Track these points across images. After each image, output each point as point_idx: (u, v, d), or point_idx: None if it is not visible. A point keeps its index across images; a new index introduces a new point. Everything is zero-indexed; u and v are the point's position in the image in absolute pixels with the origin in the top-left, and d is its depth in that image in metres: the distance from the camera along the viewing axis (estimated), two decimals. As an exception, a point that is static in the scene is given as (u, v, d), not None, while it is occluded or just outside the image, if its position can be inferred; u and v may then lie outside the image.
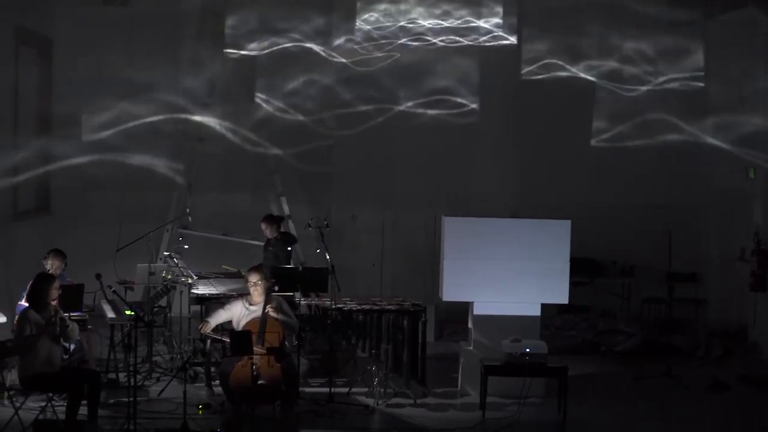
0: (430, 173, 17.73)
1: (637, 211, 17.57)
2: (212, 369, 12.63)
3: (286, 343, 11.69)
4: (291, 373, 11.33)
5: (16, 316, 11.24)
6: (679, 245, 15.45)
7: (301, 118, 17.73)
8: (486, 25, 17.76)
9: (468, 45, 17.76)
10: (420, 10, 17.73)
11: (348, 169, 17.91)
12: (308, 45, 17.66)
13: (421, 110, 17.81)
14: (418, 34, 17.72)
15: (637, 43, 17.84)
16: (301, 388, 12.13)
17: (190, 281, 13.66)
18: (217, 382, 11.81)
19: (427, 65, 17.85)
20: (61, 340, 10.92)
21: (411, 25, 17.75)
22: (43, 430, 10.50)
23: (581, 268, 16.29)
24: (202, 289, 13.58)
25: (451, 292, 12.92)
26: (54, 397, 10.90)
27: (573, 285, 13.11)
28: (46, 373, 10.54)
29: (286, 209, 17.52)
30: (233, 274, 14.51)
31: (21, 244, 14.96)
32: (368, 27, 17.75)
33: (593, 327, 16.56)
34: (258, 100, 17.83)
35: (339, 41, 17.77)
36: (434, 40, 17.72)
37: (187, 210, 16.35)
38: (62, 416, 10.55)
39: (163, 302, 14.16)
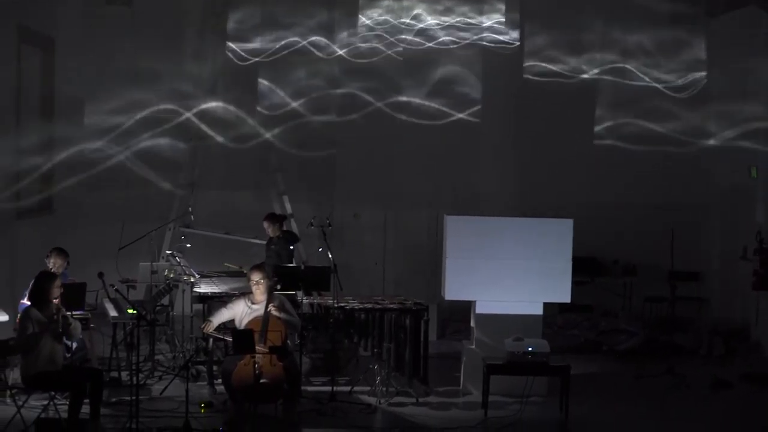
0: (432, 172, 17.72)
1: (639, 210, 17.56)
2: (214, 367, 12.65)
3: (288, 341, 11.69)
4: (293, 371, 11.33)
5: (19, 315, 11.24)
6: (681, 244, 15.45)
7: (303, 115, 17.73)
8: (488, 22, 17.75)
9: (470, 43, 17.77)
10: (423, 6, 17.72)
11: (350, 167, 17.90)
12: (311, 43, 17.66)
13: (423, 109, 17.81)
14: (421, 32, 17.71)
15: (639, 42, 17.84)
16: (303, 387, 12.16)
17: (192, 280, 13.66)
18: (220, 380, 11.83)
19: (429, 63, 17.85)
20: (64, 338, 10.94)
21: (413, 21, 17.74)
22: (45, 429, 10.50)
23: (583, 267, 16.28)
24: (204, 288, 13.59)
25: (453, 291, 12.93)
26: (56, 396, 10.91)
27: (575, 284, 13.11)
28: (49, 371, 10.55)
29: (289, 208, 17.52)
30: (235, 272, 14.51)
31: (23, 242, 14.96)
32: (371, 23, 17.73)
33: (595, 326, 16.55)
34: (260, 98, 17.83)
35: (341, 38, 17.76)
36: (436, 38, 17.72)
37: (190, 209, 16.35)
38: (64, 415, 10.56)
39: (165, 301, 14.17)
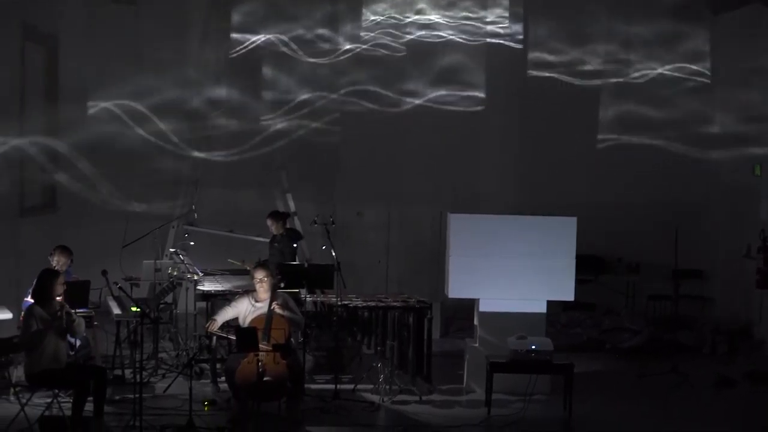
0: (435, 170, 17.73)
1: (642, 208, 17.55)
2: (218, 365, 12.66)
3: (291, 339, 11.71)
4: (297, 369, 11.34)
5: (22, 313, 11.26)
6: (685, 242, 15.43)
7: (306, 113, 17.74)
8: (491, 17, 17.75)
9: (474, 39, 17.76)
10: (426, 0, 17.72)
11: (354, 165, 17.90)
12: (314, 39, 17.67)
13: (426, 107, 17.80)
14: (424, 27, 17.72)
15: (642, 39, 17.84)
16: (306, 385, 12.16)
17: (195, 278, 13.68)
18: (223, 378, 11.82)
19: (432, 60, 17.85)
20: (68, 335, 10.95)
21: (417, 16, 17.74)
22: (49, 426, 10.52)
23: (587, 266, 16.26)
24: (207, 286, 13.60)
25: (456, 289, 12.93)
26: (60, 394, 10.93)
27: (578, 282, 13.11)
28: (52, 369, 10.56)
29: (292, 206, 17.53)
30: (239, 270, 14.50)
31: (27, 240, 14.97)
32: (374, 19, 17.74)
33: (598, 324, 16.53)
34: (264, 95, 17.84)
35: (345, 33, 17.76)
36: (440, 33, 17.72)
37: (193, 207, 16.36)
38: (68, 412, 10.57)
39: (168, 299, 14.17)
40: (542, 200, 16.05)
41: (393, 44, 17.76)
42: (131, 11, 17.16)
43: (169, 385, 12.48)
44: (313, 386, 12.64)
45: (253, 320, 11.38)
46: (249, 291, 11.92)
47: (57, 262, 12.44)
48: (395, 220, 18.04)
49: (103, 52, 16.84)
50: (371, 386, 12.61)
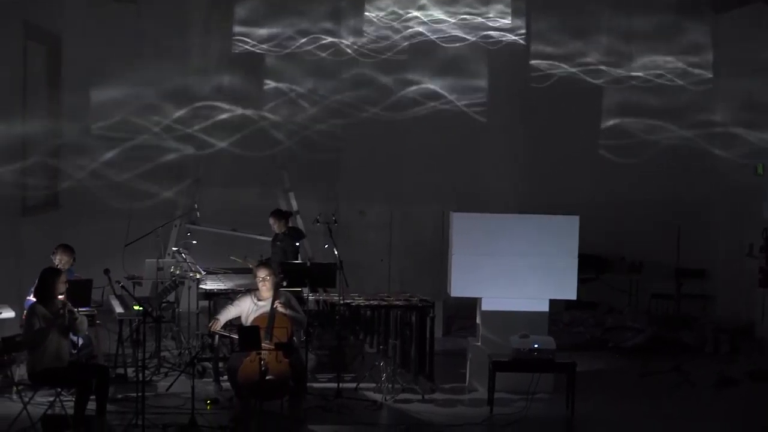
0: (438, 169, 17.73)
1: (645, 207, 17.56)
2: (220, 364, 12.66)
3: (294, 338, 11.70)
4: (299, 368, 11.33)
5: (25, 312, 11.26)
6: (687, 241, 15.44)
7: (308, 112, 17.73)
8: (493, 13, 17.74)
9: (476, 36, 17.76)
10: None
11: (356, 164, 17.90)
12: (316, 37, 17.67)
13: (429, 105, 17.80)
14: (427, 24, 17.71)
15: (645, 37, 17.83)
16: (309, 384, 12.13)
17: (198, 276, 13.67)
18: (225, 377, 11.83)
19: (435, 58, 17.84)
20: (70, 334, 10.96)
21: (418, 18, 17.73)
22: (51, 425, 10.53)
23: (589, 264, 16.30)
24: (210, 285, 13.59)
25: (459, 288, 12.93)
26: (62, 392, 10.93)
27: (581, 281, 13.13)
28: (55, 368, 10.56)
29: (295, 205, 17.54)
30: (241, 269, 14.49)
31: (29, 239, 14.97)
32: (377, 16, 17.74)
33: (601, 323, 16.54)
34: (266, 93, 17.84)
35: (347, 31, 17.76)
36: (442, 31, 17.72)
37: (196, 205, 16.36)
38: (71, 411, 10.58)
39: (171, 297, 14.18)
40: (545, 199, 16.04)
41: (395, 41, 17.75)
42: (132, 10, 17.15)
43: (172, 384, 12.48)
44: (316, 385, 12.64)
45: (255, 319, 11.38)
46: (251, 290, 11.90)
47: (59, 260, 12.43)
48: (398, 218, 18.05)
49: (105, 51, 16.83)
50: (374, 385, 12.61)
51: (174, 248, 15.46)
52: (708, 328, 16.16)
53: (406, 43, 17.79)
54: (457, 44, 17.78)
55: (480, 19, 17.79)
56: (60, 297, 10.77)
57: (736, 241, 17.02)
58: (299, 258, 15.07)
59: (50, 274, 10.90)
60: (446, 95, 17.88)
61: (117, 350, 12.86)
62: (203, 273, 13.82)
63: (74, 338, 11.75)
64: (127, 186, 16.97)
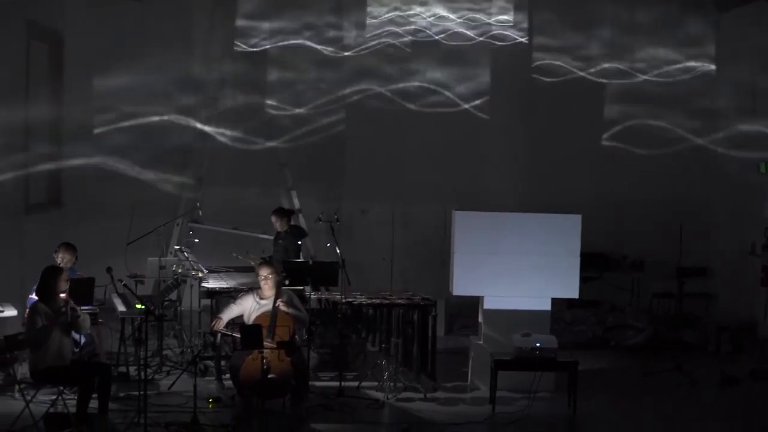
0: (440, 168, 17.73)
1: (647, 206, 17.56)
2: (222, 363, 12.65)
3: (296, 337, 11.71)
4: (301, 366, 11.35)
5: (27, 310, 11.26)
6: (689, 240, 15.46)
7: (310, 110, 17.74)
8: (495, 9, 17.74)
9: (478, 36, 17.76)
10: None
11: (358, 163, 17.90)
12: (318, 35, 17.67)
13: (431, 104, 17.80)
14: (429, 28, 17.71)
15: (649, 37, 17.83)
16: (311, 382, 12.16)
17: (200, 275, 13.68)
18: (228, 375, 11.83)
19: (438, 60, 17.85)
20: (72, 332, 10.96)
21: (421, 17, 17.73)
22: (53, 424, 10.54)
23: (591, 263, 16.27)
24: (212, 283, 13.59)
25: (461, 287, 12.92)
26: (65, 391, 10.92)
27: (583, 280, 13.11)
28: (57, 366, 10.58)
29: (297, 203, 17.54)
30: (243, 267, 14.49)
31: (32, 238, 14.98)
32: (378, 22, 17.74)
33: (603, 322, 16.54)
34: (268, 92, 17.84)
35: (349, 34, 17.76)
36: (444, 29, 17.72)
37: (198, 204, 16.37)
38: (73, 409, 10.58)
39: (173, 296, 14.19)
40: (547, 198, 16.04)
41: (398, 39, 17.75)
42: (132, 9, 17.14)
43: (174, 382, 12.48)
44: (318, 383, 12.65)
45: (257, 317, 11.39)
46: (254, 288, 11.91)
47: (62, 259, 12.45)
48: (400, 217, 18.05)
49: (107, 49, 16.83)
50: (376, 383, 12.61)
51: (176, 247, 15.48)
52: (710, 327, 16.14)
53: (408, 38, 17.77)
54: (460, 41, 17.78)
55: (482, 16, 17.78)
56: (62, 295, 10.78)
57: (738, 239, 17.02)
58: (301, 256, 15.07)
59: (51, 273, 10.91)
60: (448, 93, 17.87)
61: (119, 349, 12.86)
62: (205, 271, 13.83)
63: (76, 337, 11.77)
64: (130, 184, 16.96)
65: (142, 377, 10.87)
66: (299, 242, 15.00)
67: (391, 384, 12.40)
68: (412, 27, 17.76)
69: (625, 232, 17.52)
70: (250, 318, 11.50)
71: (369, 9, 17.81)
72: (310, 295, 12.90)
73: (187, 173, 17.48)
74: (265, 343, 10.83)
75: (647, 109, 17.77)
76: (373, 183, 17.82)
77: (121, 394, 11.82)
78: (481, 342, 13.01)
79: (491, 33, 17.80)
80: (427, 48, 17.80)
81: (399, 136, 17.75)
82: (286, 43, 17.63)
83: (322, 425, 11.20)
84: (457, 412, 11.93)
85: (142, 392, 10.57)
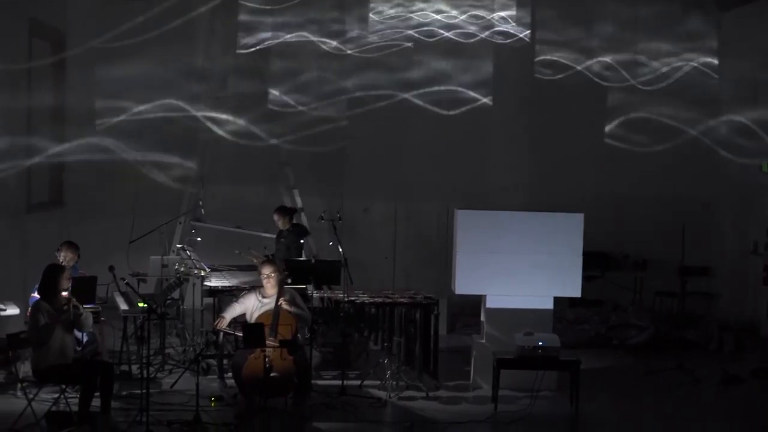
0: (442, 166, 17.73)
1: (650, 205, 17.55)
2: (225, 361, 12.66)
3: (298, 335, 11.69)
4: (303, 365, 11.35)
5: (29, 309, 11.27)
6: (691, 239, 15.45)
7: (312, 108, 17.73)
8: (497, 6, 17.74)
9: (480, 34, 17.75)
10: None
11: (361, 161, 17.90)
12: (320, 33, 17.66)
13: (434, 102, 17.79)
14: (431, 26, 17.71)
15: (651, 36, 17.82)
16: (313, 381, 12.16)
17: (202, 273, 13.67)
18: (230, 374, 11.84)
19: (441, 57, 17.83)
20: (75, 330, 10.97)
21: (423, 14, 17.72)
22: (55, 422, 10.55)
23: (594, 262, 16.28)
24: (214, 282, 13.59)
25: (463, 285, 12.91)
26: (67, 389, 10.93)
27: (585, 279, 13.10)
28: (60, 364, 10.57)
29: (299, 202, 17.53)
30: (246, 266, 14.48)
31: (34, 236, 14.98)
32: (381, 19, 17.73)
33: (605, 321, 16.54)
34: (270, 92, 17.83)
35: (352, 31, 17.75)
36: (447, 27, 17.72)
37: (200, 202, 16.37)
38: (75, 408, 10.58)
39: (175, 294, 14.18)
40: (550, 197, 16.04)
41: (400, 35, 17.74)
42: (132, 9, 17.12)
43: (176, 381, 12.48)
44: (320, 382, 12.64)
45: (260, 316, 11.39)
46: (256, 287, 11.91)
47: (64, 258, 12.46)
48: (402, 216, 18.05)
49: (109, 47, 16.82)
50: (378, 382, 12.60)
51: (178, 245, 15.46)
52: (712, 326, 16.13)
53: (411, 32, 17.75)
54: (462, 38, 17.76)
55: (485, 12, 17.77)
56: (64, 294, 10.78)
57: (740, 239, 17.01)
58: (303, 255, 15.07)
59: (53, 271, 10.91)
60: (451, 91, 17.86)
61: (121, 347, 12.87)
62: (208, 270, 13.82)
63: (78, 335, 11.77)
64: (132, 182, 16.96)
65: (145, 376, 10.85)
66: (301, 241, 14.99)
67: (394, 383, 12.39)
68: (415, 23, 17.74)
69: (628, 231, 17.52)
70: (252, 316, 11.50)
71: (372, 5, 17.79)
72: (312, 293, 12.91)
73: (189, 168, 17.45)
74: (267, 341, 10.83)
75: (649, 107, 17.74)
76: (375, 181, 17.82)
77: (124, 393, 11.82)
78: (484, 341, 13.01)
79: (493, 29, 17.78)
80: (430, 44, 17.77)
81: (401, 133, 17.74)
82: (288, 39, 17.61)
83: (324, 424, 11.19)
84: (459, 410, 11.92)
85: (144, 391, 10.56)
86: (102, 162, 16.84)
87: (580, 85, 17.74)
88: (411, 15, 17.76)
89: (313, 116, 17.75)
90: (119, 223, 15.53)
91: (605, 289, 17.38)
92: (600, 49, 17.85)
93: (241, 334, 11.08)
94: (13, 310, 12.59)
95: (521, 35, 17.83)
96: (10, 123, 14.44)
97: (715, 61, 17.81)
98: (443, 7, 17.75)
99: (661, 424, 11.79)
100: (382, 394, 12.30)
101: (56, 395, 10.87)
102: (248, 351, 11.00)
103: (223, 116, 17.55)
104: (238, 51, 17.64)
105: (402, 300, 12.97)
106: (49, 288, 10.75)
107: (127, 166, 17.00)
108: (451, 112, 17.76)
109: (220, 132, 17.48)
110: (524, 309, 12.69)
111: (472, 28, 17.75)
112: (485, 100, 17.92)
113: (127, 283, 11.88)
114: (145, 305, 11.55)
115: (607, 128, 18.01)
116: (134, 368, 12.65)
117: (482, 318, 13.16)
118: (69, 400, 10.79)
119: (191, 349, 13.57)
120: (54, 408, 10.77)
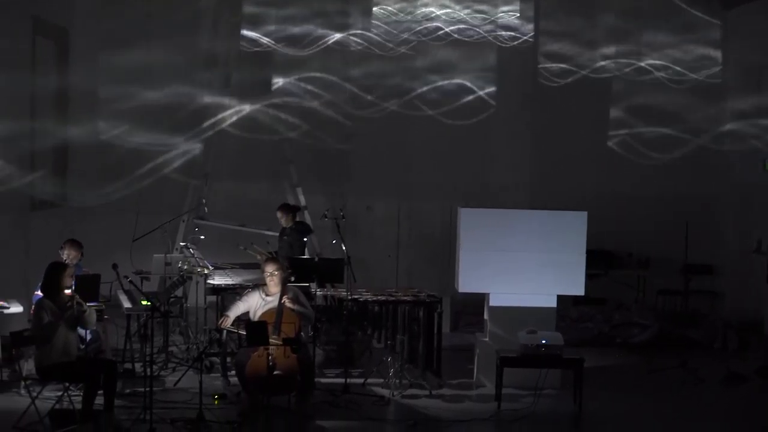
0: (446, 164, 17.72)
1: (653, 203, 17.53)
2: (228, 359, 12.67)
3: (302, 333, 11.71)
4: (307, 363, 11.34)
5: (33, 306, 11.28)
6: (695, 237, 15.43)
7: (316, 107, 17.73)
8: (501, 6, 17.73)
9: (484, 35, 17.74)
10: None
11: (364, 159, 17.89)
12: (324, 33, 17.65)
13: (437, 101, 17.78)
14: (435, 22, 17.70)
15: (655, 34, 17.80)
16: (316, 379, 12.15)
17: (206, 271, 13.67)
18: (233, 372, 11.84)
19: (444, 55, 17.82)
20: (78, 327, 10.97)
21: (428, 10, 17.72)
22: (59, 420, 10.55)
23: (597, 260, 16.26)
24: (218, 280, 13.59)
25: (467, 284, 12.92)
26: (70, 387, 10.94)
27: (589, 277, 13.10)
28: (63, 362, 10.58)
29: (302, 200, 17.53)
30: (249, 264, 14.47)
31: (38, 234, 14.98)
32: (385, 15, 17.72)
33: (609, 319, 16.52)
34: (274, 89, 17.83)
35: (356, 29, 17.75)
36: (451, 27, 17.71)
37: (203, 200, 16.37)
38: (78, 406, 10.59)
39: (179, 292, 14.18)
40: (553, 195, 16.03)
41: (403, 36, 17.73)
42: (138, 5, 17.15)
43: (180, 379, 12.49)
44: (323, 380, 12.64)
45: (263, 314, 11.39)
46: (259, 285, 11.91)
47: (67, 256, 12.46)
48: (405, 214, 18.05)
49: (112, 46, 16.82)
50: (381, 380, 12.60)
51: (182, 243, 15.46)
52: (716, 324, 16.13)
53: (417, 28, 17.74)
54: (466, 37, 17.75)
55: (488, 11, 17.76)
56: (67, 292, 10.79)
57: (744, 237, 17.00)
58: (306, 253, 15.06)
59: (56, 268, 10.92)
60: (454, 90, 17.85)
61: (125, 345, 12.88)
62: (211, 268, 13.83)
63: (82, 333, 11.77)
64: (136, 180, 16.96)
65: (148, 374, 10.85)
66: (304, 239, 15.00)
67: (397, 381, 12.40)
68: (419, 19, 17.73)
69: (631, 230, 17.51)
70: (255, 315, 11.50)
71: (375, 7, 17.79)
72: (315, 291, 12.92)
73: (194, 157, 17.46)
74: (270, 339, 10.83)
75: (653, 105, 17.72)
76: (378, 180, 17.81)
77: (127, 391, 11.83)
78: (487, 339, 13.01)
79: (498, 27, 17.77)
80: (434, 43, 17.76)
81: (405, 132, 17.74)
82: (292, 33, 17.59)
83: (327, 422, 11.19)
84: (462, 409, 11.92)
85: (147, 389, 10.56)
86: (105, 159, 16.84)
87: (583, 84, 17.71)
88: (415, 12, 17.74)
89: (317, 115, 17.73)
90: (123, 221, 15.50)
91: (608, 287, 17.36)
92: (603, 47, 17.82)
93: (245, 332, 11.08)
94: (16, 308, 12.59)
95: (526, 36, 17.81)
96: (15, 120, 14.44)
97: (719, 59, 17.78)
98: (447, 2, 17.73)
99: (664, 422, 11.79)
100: (385, 392, 12.30)
101: (60, 393, 10.88)
102: (251, 349, 10.99)
103: (227, 111, 17.53)
104: (241, 43, 17.61)
105: (405, 298, 12.97)
106: (52, 286, 10.76)
107: (130, 164, 16.96)
108: (454, 111, 17.73)
109: (223, 125, 17.47)
110: (527, 307, 12.70)
111: (477, 27, 17.72)
112: (489, 97, 17.89)
113: (130, 281, 11.88)
114: (149, 303, 11.55)
115: (611, 127, 17.97)
116: (137, 366, 12.66)
117: (485, 316, 13.16)
118: (72, 397, 10.80)
119: (194, 347, 13.59)
120: (57, 406, 10.79)
